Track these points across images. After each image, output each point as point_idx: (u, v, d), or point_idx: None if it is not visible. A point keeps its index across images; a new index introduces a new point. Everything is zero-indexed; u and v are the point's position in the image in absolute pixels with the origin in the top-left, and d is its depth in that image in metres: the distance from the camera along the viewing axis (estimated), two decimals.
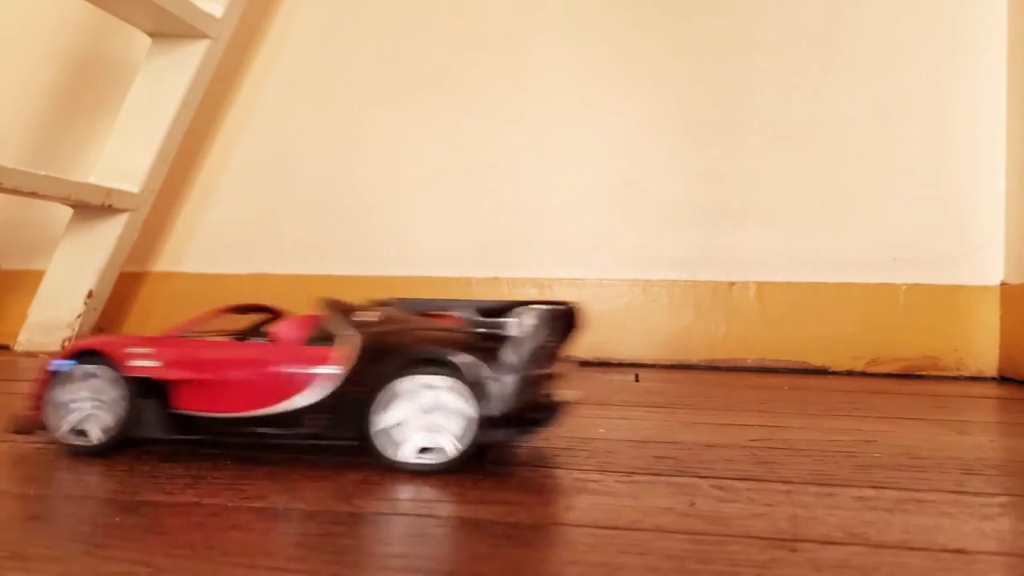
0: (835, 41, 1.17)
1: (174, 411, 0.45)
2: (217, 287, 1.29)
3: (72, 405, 0.46)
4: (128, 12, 1.13)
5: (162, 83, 1.19)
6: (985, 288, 1.12)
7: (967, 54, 1.14)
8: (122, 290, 1.29)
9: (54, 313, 1.18)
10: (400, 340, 0.43)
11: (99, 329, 1.28)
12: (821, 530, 0.35)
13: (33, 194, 1.04)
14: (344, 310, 0.46)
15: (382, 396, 0.42)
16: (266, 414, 0.44)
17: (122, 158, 1.19)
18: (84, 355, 0.46)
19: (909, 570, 0.30)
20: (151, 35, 1.20)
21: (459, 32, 1.27)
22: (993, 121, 1.12)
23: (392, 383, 0.42)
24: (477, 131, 1.26)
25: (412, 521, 0.35)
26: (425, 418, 0.42)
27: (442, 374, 0.41)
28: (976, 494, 0.42)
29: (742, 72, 1.19)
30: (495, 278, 1.23)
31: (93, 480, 0.42)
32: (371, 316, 0.45)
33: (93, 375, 0.46)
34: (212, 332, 0.50)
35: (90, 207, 1.15)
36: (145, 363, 0.45)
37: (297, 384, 0.43)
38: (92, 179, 1.18)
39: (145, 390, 0.45)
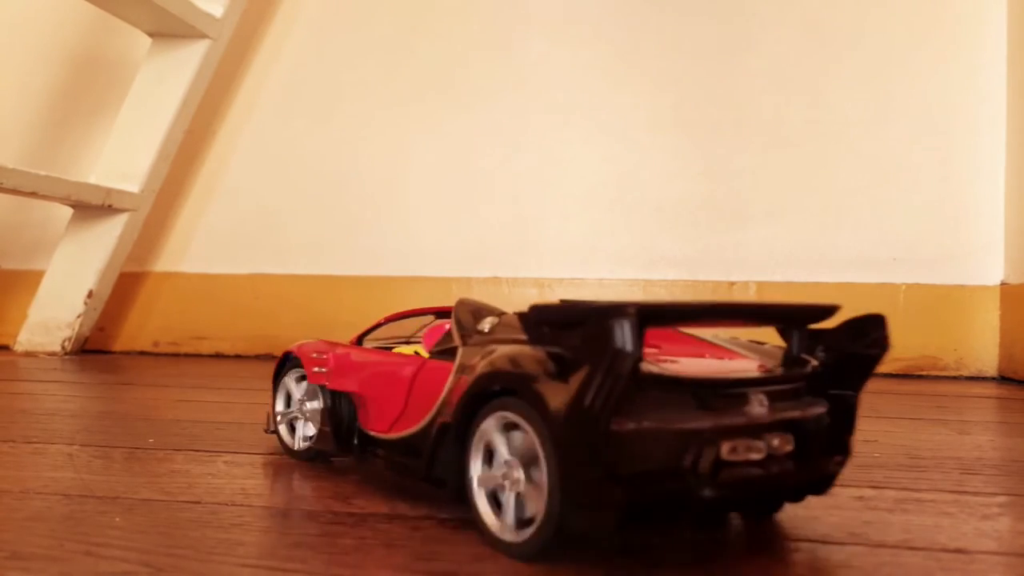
0: (835, 41, 1.17)
1: None
2: (217, 287, 1.29)
3: None
4: (128, 12, 1.13)
5: (162, 83, 1.19)
6: (985, 288, 1.12)
7: (967, 54, 1.14)
8: (122, 290, 1.29)
9: (54, 313, 1.18)
10: None
11: (99, 329, 1.28)
12: (821, 530, 0.35)
13: (33, 194, 1.04)
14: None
15: None
16: None
17: (122, 158, 1.19)
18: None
19: (909, 570, 0.30)
20: (151, 35, 1.20)
21: (460, 32, 1.27)
22: (993, 121, 1.12)
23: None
24: (477, 131, 1.25)
25: (412, 521, 0.35)
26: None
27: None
28: (976, 494, 0.42)
29: (742, 72, 1.19)
30: (495, 278, 1.23)
31: (94, 480, 0.42)
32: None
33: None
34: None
35: (90, 207, 1.15)
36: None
37: None
38: (92, 179, 1.18)
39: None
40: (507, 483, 0.31)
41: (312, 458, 0.46)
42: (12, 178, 0.99)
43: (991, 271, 1.12)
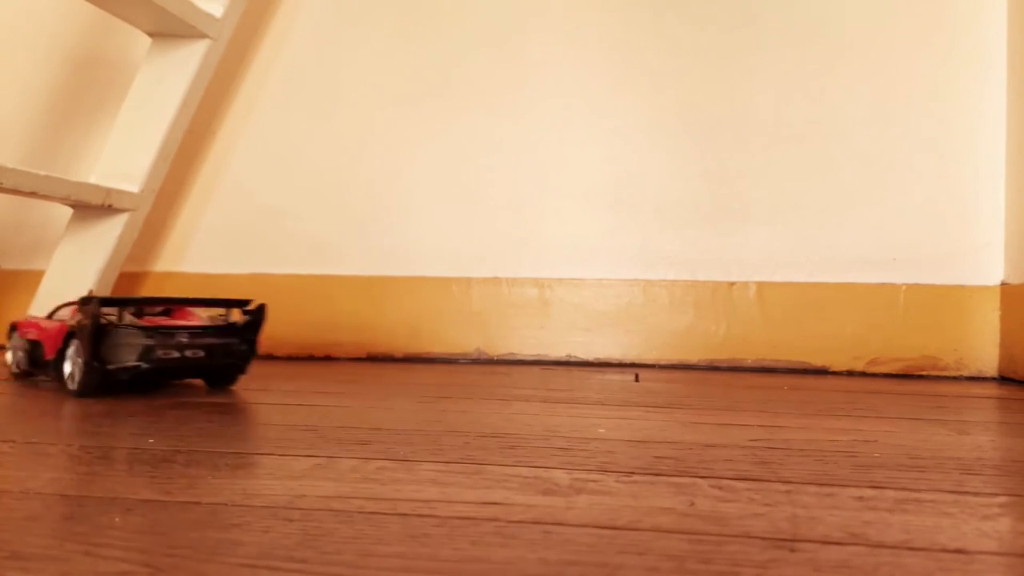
0: (835, 41, 1.17)
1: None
2: (217, 287, 1.29)
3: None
4: (128, 12, 1.13)
5: (162, 83, 1.19)
6: (985, 288, 1.12)
7: (967, 54, 1.14)
8: (122, 290, 1.29)
9: None
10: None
11: None
12: (821, 530, 0.35)
13: (33, 194, 1.04)
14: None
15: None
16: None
17: (122, 158, 1.19)
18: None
19: (909, 570, 0.30)
20: (151, 35, 1.20)
21: (460, 32, 1.27)
22: (993, 121, 1.13)
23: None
24: (477, 131, 1.26)
25: (412, 521, 0.35)
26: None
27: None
28: (976, 494, 0.42)
29: (742, 72, 1.19)
30: (495, 278, 1.23)
31: (94, 480, 0.42)
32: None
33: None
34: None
35: (90, 207, 1.15)
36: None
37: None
38: (92, 179, 1.18)
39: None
40: (76, 371, 0.74)
41: (22, 377, 0.86)
42: (12, 178, 0.99)
43: (991, 271, 1.12)
